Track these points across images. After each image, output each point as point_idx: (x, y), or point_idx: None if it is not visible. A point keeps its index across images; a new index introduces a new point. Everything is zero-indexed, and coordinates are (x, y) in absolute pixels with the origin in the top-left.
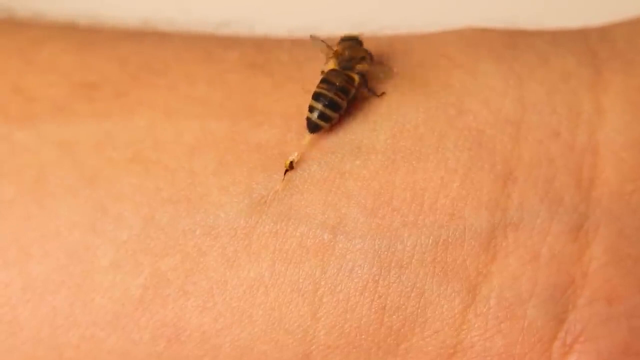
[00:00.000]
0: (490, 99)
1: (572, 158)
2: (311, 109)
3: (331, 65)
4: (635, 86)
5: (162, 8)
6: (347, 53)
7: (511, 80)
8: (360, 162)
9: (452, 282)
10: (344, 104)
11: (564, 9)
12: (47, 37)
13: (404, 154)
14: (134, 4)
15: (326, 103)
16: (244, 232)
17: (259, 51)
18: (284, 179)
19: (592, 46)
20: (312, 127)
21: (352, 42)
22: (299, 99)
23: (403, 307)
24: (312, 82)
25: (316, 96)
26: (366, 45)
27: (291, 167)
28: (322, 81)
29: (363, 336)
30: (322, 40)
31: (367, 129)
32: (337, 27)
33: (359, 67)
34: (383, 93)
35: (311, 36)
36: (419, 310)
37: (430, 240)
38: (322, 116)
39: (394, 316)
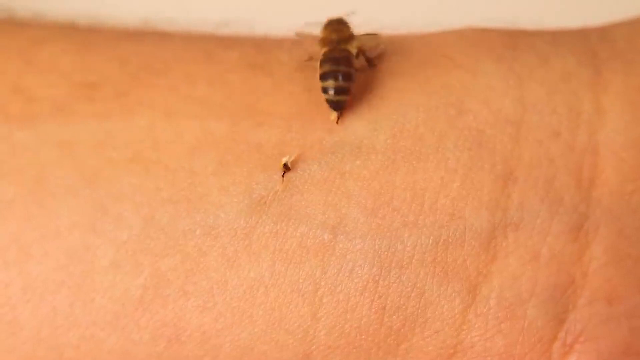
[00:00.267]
0: (491, 99)
1: (572, 158)
2: (324, 89)
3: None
4: (635, 86)
5: (162, 8)
6: (334, 36)
7: (511, 80)
8: (360, 162)
9: (453, 282)
10: (353, 70)
11: (564, 9)
12: (47, 37)
13: (404, 154)
14: (134, 4)
15: (336, 76)
16: (244, 232)
17: (259, 51)
18: (283, 179)
19: (592, 46)
20: (335, 105)
21: (336, 25)
22: (299, 98)
23: (403, 307)
24: (312, 83)
25: (323, 76)
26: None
27: (287, 168)
28: (322, 62)
29: (363, 336)
30: (308, 33)
31: (367, 129)
32: None
33: (350, 45)
34: (375, 65)
35: (296, 33)
36: (419, 311)
37: (431, 241)
38: (338, 90)
39: (394, 316)
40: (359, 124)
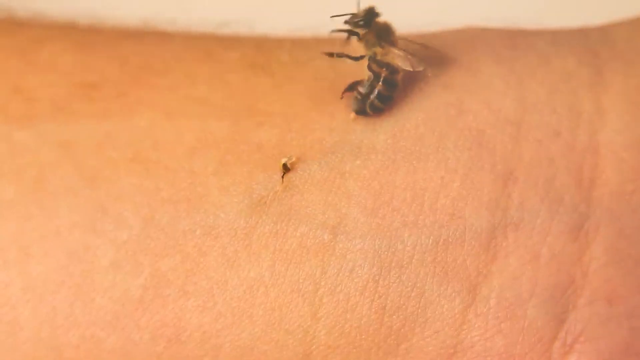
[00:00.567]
0: (491, 98)
1: (573, 158)
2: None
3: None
4: (635, 86)
5: (162, 8)
6: (378, 41)
7: (511, 80)
8: (360, 162)
9: (453, 282)
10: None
11: (564, 9)
12: (47, 37)
13: (404, 154)
14: (134, 4)
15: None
16: (244, 232)
17: (260, 51)
18: (282, 179)
19: (592, 46)
20: (375, 109)
21: (383, 26)
22: (299, 98)
23: (403, 307)
24: (313, 83)
25: (379, 95)
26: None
27: (286, 168)
28: (382, 80)
29: (363, 336)
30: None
31: (367, 129)
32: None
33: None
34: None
35: (332, 31)
36: (419, 310)
37: (431, 240)
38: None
39: (394, 316)
40: (359, 124)
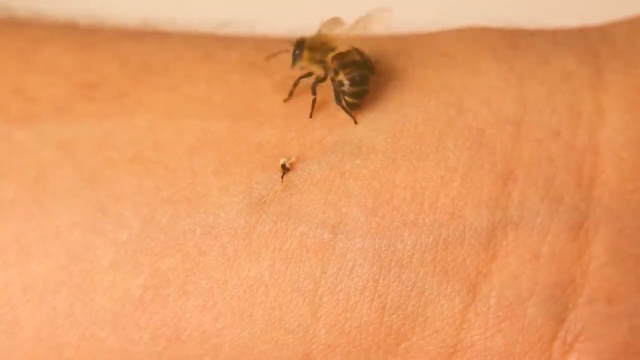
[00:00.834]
0: (491, 98)
1: (573, 157)
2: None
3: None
4: (635, 86)
5: (162, 8)
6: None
7: (511, 80)
8: (360, 162)
9: (452, 281)
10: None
11: (564, 9)
12: (47, 37)
13: (404, 153)
14: (134, 4)
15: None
16: (244, 231)
17: (259, 51)
18: (282, 179)
19: (592, 46)
20: (353, 106)
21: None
22: (299, 99)
23: (403, 306)
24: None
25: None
26: (368, 45)
27: (285, 168)
28: (343, 65)
29: (363, 335)
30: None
31: (367, 128)
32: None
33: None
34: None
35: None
36: (419, 310)
37: (431, 240)
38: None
39: (394, 315)
40: (359, 123)
